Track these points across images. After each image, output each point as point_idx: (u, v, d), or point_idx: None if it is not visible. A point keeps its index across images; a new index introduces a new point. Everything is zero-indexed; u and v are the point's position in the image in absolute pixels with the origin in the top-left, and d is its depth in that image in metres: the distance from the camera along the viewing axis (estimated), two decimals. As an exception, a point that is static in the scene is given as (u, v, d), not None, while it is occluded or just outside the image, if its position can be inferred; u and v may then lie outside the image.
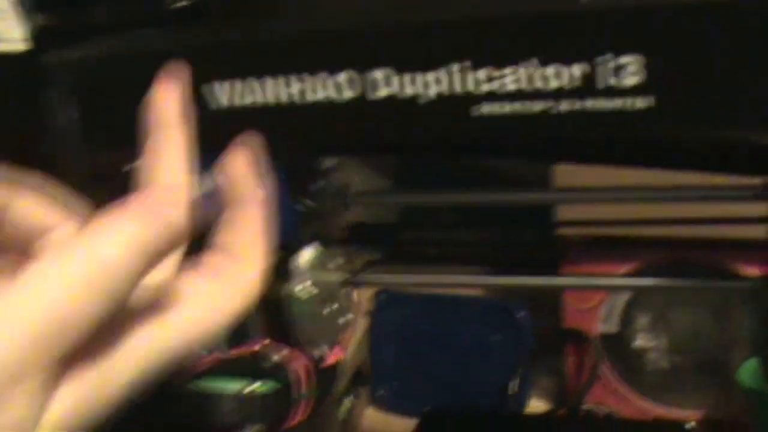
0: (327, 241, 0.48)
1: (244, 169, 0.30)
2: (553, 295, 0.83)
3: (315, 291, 0.46)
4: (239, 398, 0.45)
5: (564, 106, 0.38)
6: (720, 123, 0.36)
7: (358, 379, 0.95)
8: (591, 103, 0.37)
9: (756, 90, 0.34)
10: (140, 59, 0.45)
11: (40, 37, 0.45)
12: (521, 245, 0.87)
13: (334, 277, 0.49)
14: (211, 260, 0.27)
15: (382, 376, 0.95)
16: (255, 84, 0.42)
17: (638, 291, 0.51)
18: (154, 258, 0.23)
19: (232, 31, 0.43)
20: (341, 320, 0.49)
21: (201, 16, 0.45)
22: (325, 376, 0.49)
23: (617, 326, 0.81)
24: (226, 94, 0.44)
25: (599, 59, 0.36)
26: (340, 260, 0.48)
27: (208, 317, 0.26)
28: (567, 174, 0.71)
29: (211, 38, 0.43)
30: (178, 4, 0.46)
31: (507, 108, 0.39)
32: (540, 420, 0.80)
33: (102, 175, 0.49)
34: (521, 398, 0.86)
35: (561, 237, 0.78)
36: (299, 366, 0.46)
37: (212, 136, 0.46)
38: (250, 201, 0.29)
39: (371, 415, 0.96)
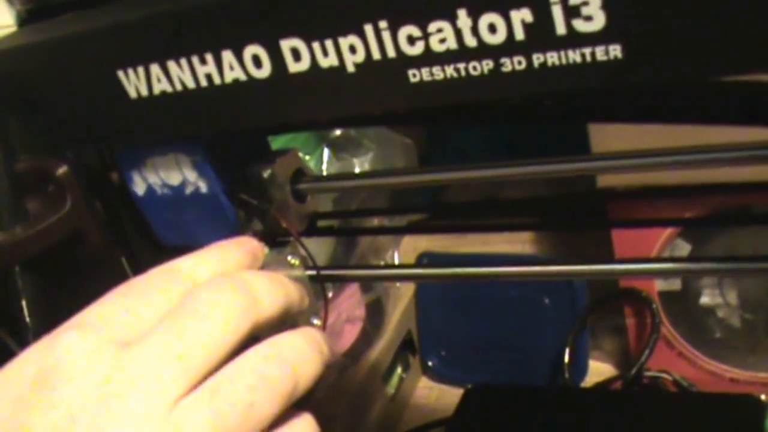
0: (274, 239, 0.41)
1: None
2: (607, 251, 0.74)
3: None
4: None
5: (510, 64, 0.30)
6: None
7: (408, 348, 0.89)
8: (542, 58, 0.29)
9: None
10: (55, 46, 0.40)
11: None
12: (567, 198, 0.78)
13: (295, 274, 0.42)
14: None
15: (431, 344, 0.89)
16: (169, 67, 0.37)
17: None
18: None
19: (140, 10, 0.37)
20: (305, 323, 0.43)
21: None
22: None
23: (679, 282, 0.71)
24: (142, 80, 0.38)
25: (544, 2, 0.28)
26: (295, 258, 0.42)
27: None
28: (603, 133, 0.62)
29: (120, 18, 0.38)
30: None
31: (447, 72, 0.32)
32: (593, 395, 0.72)
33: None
34: (579, 364, 0.79)
35: (606, 189, 0.69)
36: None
37: (134, 126, 0.41)
38: None
39: (424, 385, 0.90)
